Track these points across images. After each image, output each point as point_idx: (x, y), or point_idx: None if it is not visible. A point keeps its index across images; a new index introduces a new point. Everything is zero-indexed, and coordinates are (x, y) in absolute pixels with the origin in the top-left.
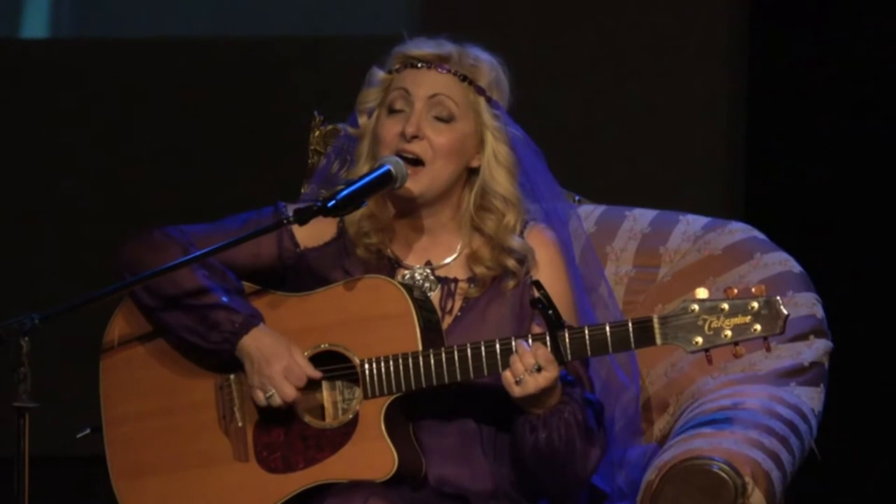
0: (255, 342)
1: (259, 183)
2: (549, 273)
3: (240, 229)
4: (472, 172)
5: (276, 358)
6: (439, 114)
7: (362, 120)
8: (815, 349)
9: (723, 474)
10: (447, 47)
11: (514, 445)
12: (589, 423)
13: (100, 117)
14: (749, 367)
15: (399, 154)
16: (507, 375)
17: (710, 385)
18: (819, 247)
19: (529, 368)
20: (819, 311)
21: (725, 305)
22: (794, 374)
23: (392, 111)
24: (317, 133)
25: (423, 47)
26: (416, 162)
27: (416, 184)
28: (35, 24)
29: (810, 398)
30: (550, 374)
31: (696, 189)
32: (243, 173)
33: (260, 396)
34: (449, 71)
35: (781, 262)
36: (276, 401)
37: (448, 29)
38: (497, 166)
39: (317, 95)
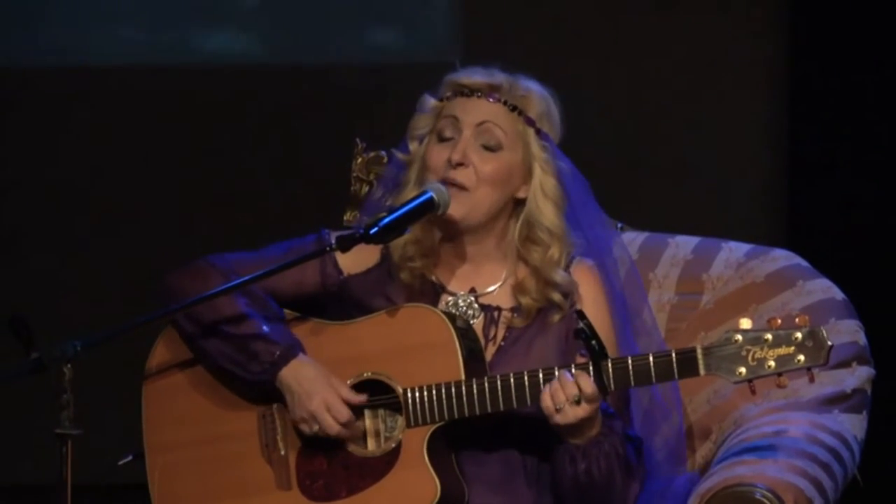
0: (295, 374)
1: (302, 210)
2: (593, 308)
3: (283, 257)
4: (519, 203)
5: (317, 391)
6: (486, 142)
7: (413, 146)
8: (858, 376)
9: (766, 501)
10: (498, 77)
11: (554, 475)
12: (629, 456)
13: (151, 144)
14: (792, 394)
15: (444, 181)
16: (548, 404)
17: (753, 412)
18: (862, 274)
19: (571, 398)
20: (861, 339)
21: (769, 336)
22: (837, 401)
23: (441, 138)
24: (359, 160)
25: (474, 76)
26: (461, 189)
27: (459, 209)
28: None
29: (853, 425)
30: (592, 405)
31: (738, 216)
32: (287, 200)
33: (304, 429)
34: (499, 100)
35: (824, 289)
36: (322, 433)
37: (491, 56)
38: (543, 198)
39: (359, 123)
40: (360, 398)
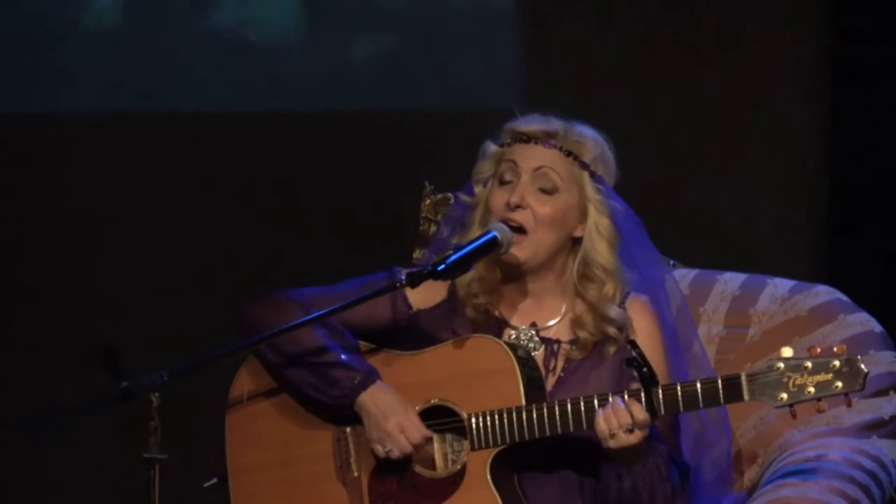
0: (373, 398)
1: (376, 247)
2: (647, 340)
3: (356, 292)
4: (576, 241)
5: (393, 414)
6: (543, 185)
7: (477, 189)
8: (895, 404)
9: None
10: (555, 124)
11: (601, 491)
12: (672, 477)
13: (233, 184)
14: (833, 420)
15: (505, 222)
16: (602, 429)
17: (797, 438)
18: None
19: (624, 427)
20: None
21: (809, 364)
22: (875, 427)
23: (502, 182)
24: (427, 202)
25: (532, 124)
26: (520, 230)
27: (521, 251)
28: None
29: (891, 450)
30: (643, 432)
31: (783, 254)
32: (361, 238)
33: (379, 450)
34: (555, 146)
35: (863, 322)
36: (395, 454)
37: (550, 102)
38: (598, 238)
39: (423, 166)
40: (428, 433)
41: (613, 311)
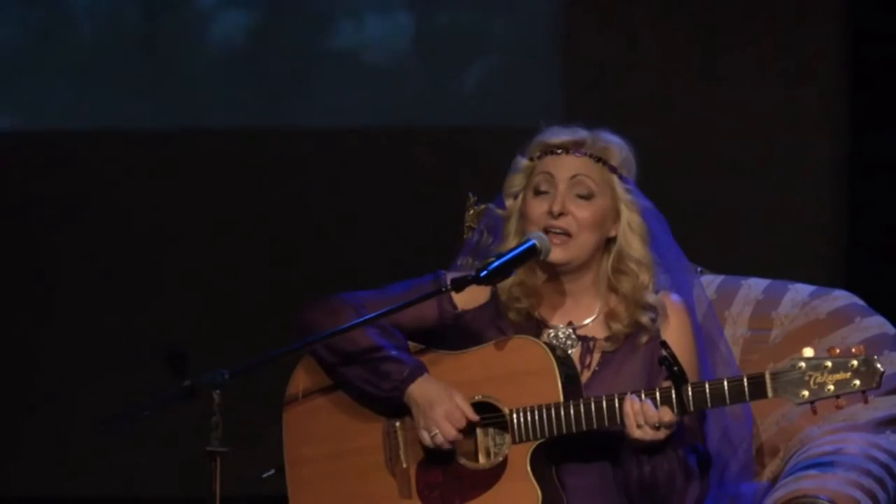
0: (421, 389)
1: (423, 253)
2: (678, 336)
3: (405, 295)
4: (610, 241)
5: (439, 402)
6: (580, 192)
7: (509, 202)
8: None
9: None
10: (581, 133)
11: (623, 475)
12: (690, 464)
13: (294, 201)
14: (850, 416)
15: (547, 230)
16: (630, 420)
17: (816, 433)
18: None
19: (652, 424)
20: None
21: (829, 363)
22: (890, 423)
23: (538, 193)
24: (471, 212)
25: (560, 136)
26: (565, 234)
27: (566, 253)
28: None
29: None
30: (668, 430)
31: (803, 261)
32: (409, 244)
33: (425, 436)
34: (585, 154)
35: (879, 325)
36: (440, 439)
37: (585, 118)
38: (632, 234)
39: (471, 179)
40: (476, 416)
41: (650, 297)
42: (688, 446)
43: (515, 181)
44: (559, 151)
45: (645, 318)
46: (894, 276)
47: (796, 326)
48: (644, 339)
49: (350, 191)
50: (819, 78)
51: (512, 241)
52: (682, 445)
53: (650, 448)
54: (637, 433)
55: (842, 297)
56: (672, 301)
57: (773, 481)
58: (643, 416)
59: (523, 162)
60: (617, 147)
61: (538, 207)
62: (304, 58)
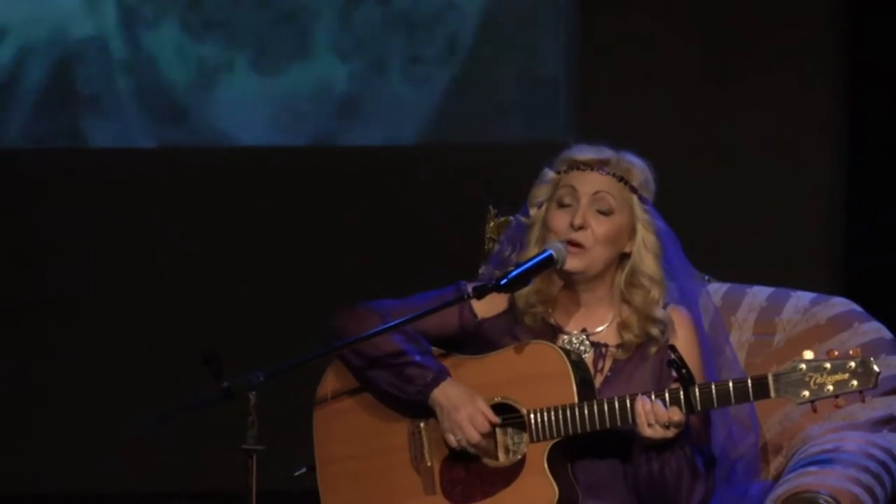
0: (444, 393)
1: (445, 265)
2: (686, 346)
3: (428, 303)
4: (625, 256)
5: (463, 406)
6: (601, 207)
7: (533, 211)
8: None
9: None
10: (607, 153)
11: (632, 472)
12: (697, 463)
13: (335, 210)
14: (849, 416)
15: (568, 241)
16: (641, 419)
17: (817, 432)
18: None
19: (662, 424)
20: None
21: (828, 365)
22: (887, 422)
23: (561, 205)
24: (491, 224)
25: (587, 153)
26: (580, 246)
27: (580, 263)
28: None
29: None
30: (677, 430)
31: (805, 270)
32: (430, 256)
33: (451, 439)
34: (608, 173)
35: (875, 330)
36: (464, 443)
37: (598, 134)
38: (646, 252)
39: (492, 194)
40: (497, 419)
41: (659, 313)
42: (695, 446)
43: (541, 192)
44: (584, 168)
45: (655, 331)
46: (890, 285)
47: (798, 331)
48: (654, 349)
49: (373, 203)
50: (820, 104)
51: (533, 249)
52: (690, 445)
53: (660, 446)
54: (648, 432)
55: (840, 304)
56: (680, 315)
57: (777, 478)
58: (654, 415)
59: (550, 175)
60: (639, 169)
61: (560, 219)
62: None
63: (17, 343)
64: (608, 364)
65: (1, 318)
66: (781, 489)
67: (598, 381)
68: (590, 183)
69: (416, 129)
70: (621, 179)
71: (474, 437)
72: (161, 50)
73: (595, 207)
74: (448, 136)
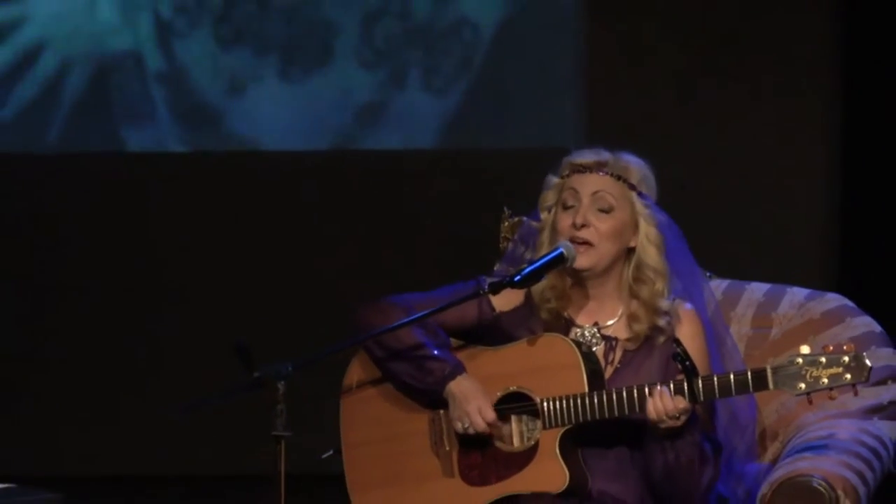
0: (459, 386)
1: (463, 263)
2: (690, 340)
3: (448, 297)
4: (631, 251)
5: (473, 399)
6: (601, 206)
7: (543, 215)
8: (893, 392)
9: (821, 489)
10: (604, 155)
11: (648, 462)
12: (705, 448)
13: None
14: (841, 405)
15: (572, 240)
16: (653, 416)
17: (811, 419)
18: None
19: (670, 414)
20: (895, 362)
21: (823, 359)
22: (877, 411)
23: (565, 207)
24: (506, 224)
25: (585, 156)
26: (587, 244)
27: (588, 260)
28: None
29: (889, 430)
30: (684, 418)
31: (800, 266)
32: (451, 255)
33: (459, 426)
34: (607, 173)
35: (866, 324)
36: (471, 430)
37: (606, 140)
38: (649, 245)
39: (506, 195)
40: (493, 416)
41: (664, 304)
42: (703, 433)
43: (548, 197)
44: (584, 170)
45: (661, 322)
46: (880, 282)
47: (793, 325)
48: (661, 339)
49: (400, 206)
50: (814, 108)
51: (545, 250)
52: (699, 433)
53: (671, 435)
54: (660, 426)
55: (834, 300)
56: (685, 309)
57: (774, 462)
58: (662, 407)
59: (554, 180)
60: (636, 167)
61: (565, 220)
62: None
63: (60, 335)
64: (618, 356)
65: (70, 310)
66: (778, 473)
67: (609, 372)
68: (589, 184)
69: (433, 134)
70: (619, 178)
71: (480, 425)
72: (193, 60)
73: (596, 206)
74: (463, 142)
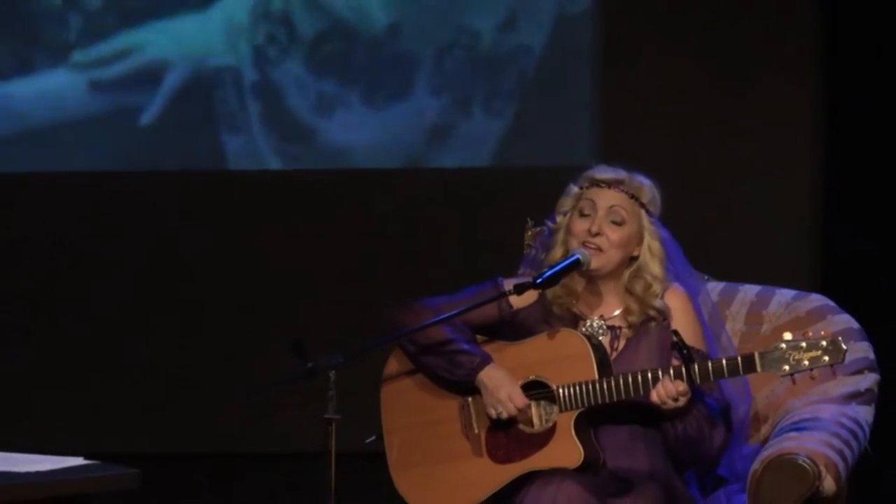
0: (488, 375)
1: (486, 267)
2: (683, 316)
3: (472, 298)
4: (633, 258)
5: (503, 387)
6: (614, 219)
7: (559, 218)
8: (868, 380)
9: (805, 465)
10: (622, 174)
11: (663, 437)
12: (713, 413)
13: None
14: (823, 392)
15: (585, 245)
16: (656, 400)
17: (797, 405)
18: (874, 309)
19: (672, 397)
20: (871, 354)
21: (804, 344)
22: (854, 397)
23: (582, 214)
24: (529, 233)
25: (605, 173)
26: (598, 250)
27: (597, 262)
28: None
29: (865, 413)
30: (685, 399)
31: (788, 269)
32: (476, 262)
33: (493, 413)
34: (623, 190)
35: (846, 321)
36: (504, 415)
37: (618, 156)
38: (651, 256)
39: (529, 208)
40: (524, 402)
41: (657, 303)
42: (708, 399)
43: (566, 203)
44: (603, 185)
45: (653, 312)
46: (859, 283)
47: (781, 322)
48: (653, 324)
49: (424, 218)
50: (800, 110)
51: (558, 249)
52: (701, 401)
53: (677, 412)
54: (664, 408)
55: (817, 300)
56: (676, 290)
57: (765, 442)
58: (664, 393)
59: (574, 189)
60: (648, 188)
61: (581, 226)
62: None
63: (144, 335)
64: (622, 343)
65: (140, 312)
66: (767, 452)
67: (614, 356)
68: (607, 198)
69: (490, 153)
70: (633, 196)
71: (512, 411)
72: (287, 83)
73: (610, 219)
74: (514, 160)
